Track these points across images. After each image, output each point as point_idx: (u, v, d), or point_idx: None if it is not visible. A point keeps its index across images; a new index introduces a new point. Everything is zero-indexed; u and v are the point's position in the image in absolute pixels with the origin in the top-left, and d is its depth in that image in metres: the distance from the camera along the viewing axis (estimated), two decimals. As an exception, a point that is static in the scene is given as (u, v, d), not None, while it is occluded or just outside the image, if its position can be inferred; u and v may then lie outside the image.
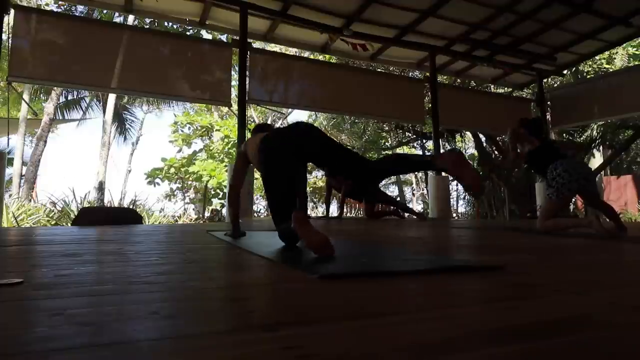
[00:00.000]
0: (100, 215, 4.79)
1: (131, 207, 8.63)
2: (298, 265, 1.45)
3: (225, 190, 8.08)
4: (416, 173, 17.71)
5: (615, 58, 11.96)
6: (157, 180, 14.46)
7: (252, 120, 12.74)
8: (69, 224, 6.53)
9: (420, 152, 17.25)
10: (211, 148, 14.43)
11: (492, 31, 7.69)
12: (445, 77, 10.24)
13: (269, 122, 15.81)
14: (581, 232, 2.99)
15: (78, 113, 16.97)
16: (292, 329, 0.69)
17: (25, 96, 12.84)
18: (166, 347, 0.60)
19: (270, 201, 2.04)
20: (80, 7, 11.80)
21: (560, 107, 9.42)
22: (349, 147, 2.14)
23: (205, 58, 6.69)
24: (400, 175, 18.66)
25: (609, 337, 0.68)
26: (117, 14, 12.23)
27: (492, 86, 10.90)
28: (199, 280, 1.21)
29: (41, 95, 14.99)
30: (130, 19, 12.21)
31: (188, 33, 10.82)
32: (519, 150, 3.40)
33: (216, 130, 14.47)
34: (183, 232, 3.44)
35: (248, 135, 8.04)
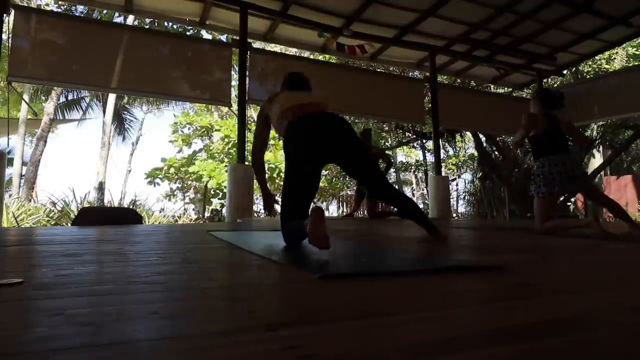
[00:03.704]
0: (100, 215, 4.78)
1: (131, 207, 8.64)
2: (298, 265, 1.45)
3: (225, 190, 8.07)
4: (415, 173, 17.70)
5: (615, 58, 11.94)
6: (157, 180, 14.46)
7: (252, 120, 12.71)
8: (69, 224, 6.53)
9: (420, 153, 17.25)
10: (211, 148, 14.43)
11: (492, 31, 7.68)
12: (445, 77, 10.23)
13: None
14: (581, 232, 2.99)
15: (78, 113, 17.00)
16: (292, 329, 0.69)
17: (25, 96, 12.84)
18: (166, 347, 0.60)
19: (285, 196, 2.01)
20: (80, 7, 11.79)
21: (560, 107, 9.41)
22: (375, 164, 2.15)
23: (205, 58, 6.69)
24: (400, 175, 18.63)
25: (609, 337, 0.68)
26: (117, 14, 12.23)
27: (492, 86, 10.89)
28: (199, 280, 1.21)
29: (41, 95, 14.99)
30: (130, 19, 12.21)
31: (188, 33, 10.82)
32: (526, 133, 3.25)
33: (216, 130, 14.47)
34: (183, 232, 3.44)
35: (249, 135, 8.02)
